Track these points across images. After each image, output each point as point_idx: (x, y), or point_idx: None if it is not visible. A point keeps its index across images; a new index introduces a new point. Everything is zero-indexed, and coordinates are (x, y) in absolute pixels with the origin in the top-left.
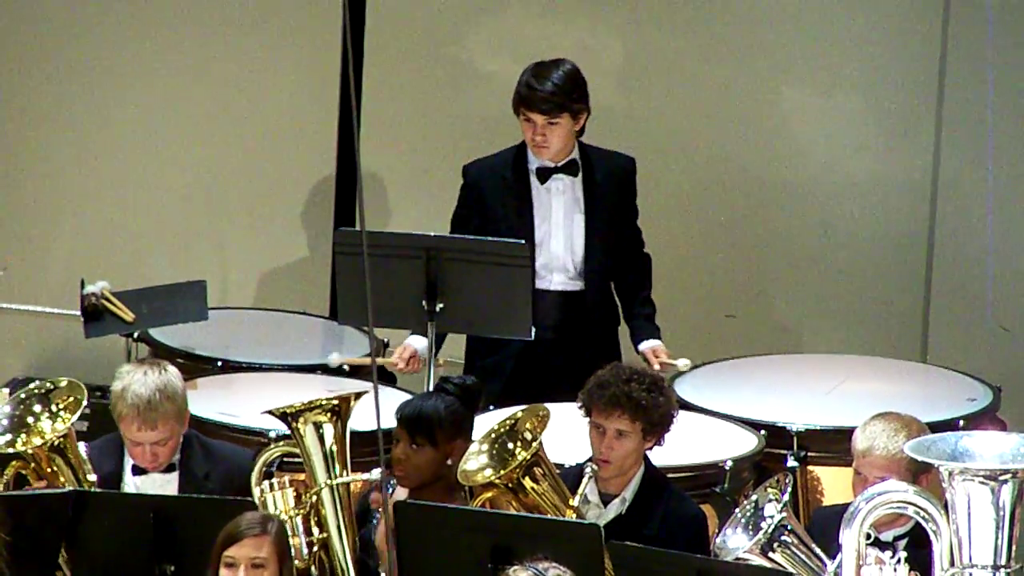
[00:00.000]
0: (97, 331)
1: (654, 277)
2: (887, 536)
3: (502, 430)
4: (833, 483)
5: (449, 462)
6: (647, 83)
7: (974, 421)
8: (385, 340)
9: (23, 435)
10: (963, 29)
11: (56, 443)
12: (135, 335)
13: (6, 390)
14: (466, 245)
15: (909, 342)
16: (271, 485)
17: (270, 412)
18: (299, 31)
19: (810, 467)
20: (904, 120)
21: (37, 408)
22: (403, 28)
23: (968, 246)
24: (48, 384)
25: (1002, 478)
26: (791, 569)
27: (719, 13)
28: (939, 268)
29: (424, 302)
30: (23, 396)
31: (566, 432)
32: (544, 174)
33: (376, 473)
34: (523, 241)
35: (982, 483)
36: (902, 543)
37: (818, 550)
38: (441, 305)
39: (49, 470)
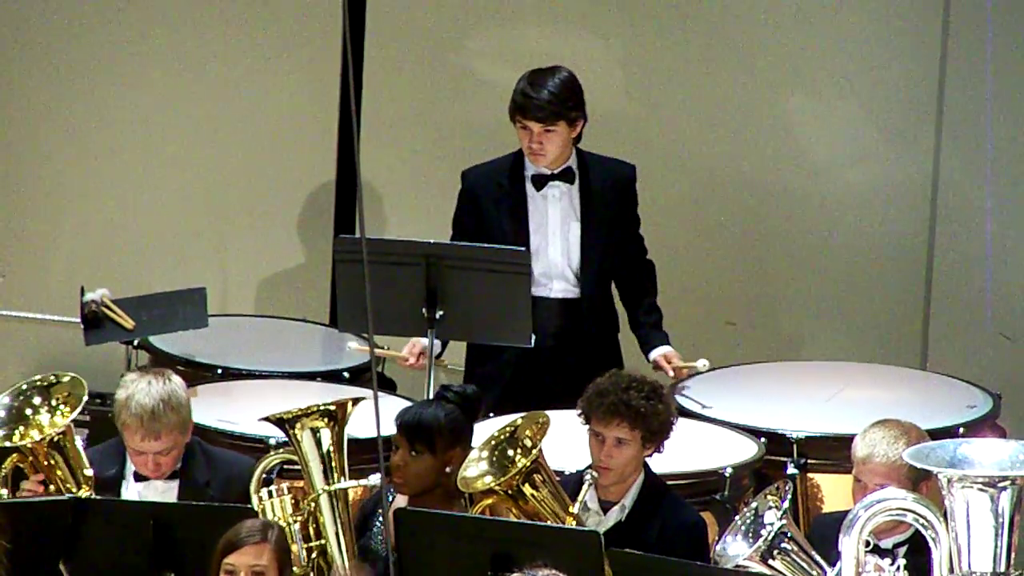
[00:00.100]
0: (97, 338)
1: None
2: (887, 543)
3: (502, 437)
4: (833, 490)
5: (448, 470)
6: (647, 90)
7: (974, 428)
8: (385, 347)
9: (20, 427)
10: (963, 38)
11: (55, 439)
12: (135, 342)
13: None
14: (466, 252)
15: (909, 349)
16: (269, 492)
17: (267, 419)
18: (299, 38)
19: (810, 474)
20: (904, 128)
21: (37, 400)
22: (403, 35)
23: (968, 253)
24: (51, 377)
25: (1001, 485)
26: None
27: (719, 21)
28: (939, 275)
29: (424, 309)
30: (24, 387)
31: (566, 439)
32: (540, 181)
33: (374, 479)
34: (523, 248)
35: (981, 490)
36: (902, 550)
37: (818, 557)
38: (441, 312)
39: (46, 463)
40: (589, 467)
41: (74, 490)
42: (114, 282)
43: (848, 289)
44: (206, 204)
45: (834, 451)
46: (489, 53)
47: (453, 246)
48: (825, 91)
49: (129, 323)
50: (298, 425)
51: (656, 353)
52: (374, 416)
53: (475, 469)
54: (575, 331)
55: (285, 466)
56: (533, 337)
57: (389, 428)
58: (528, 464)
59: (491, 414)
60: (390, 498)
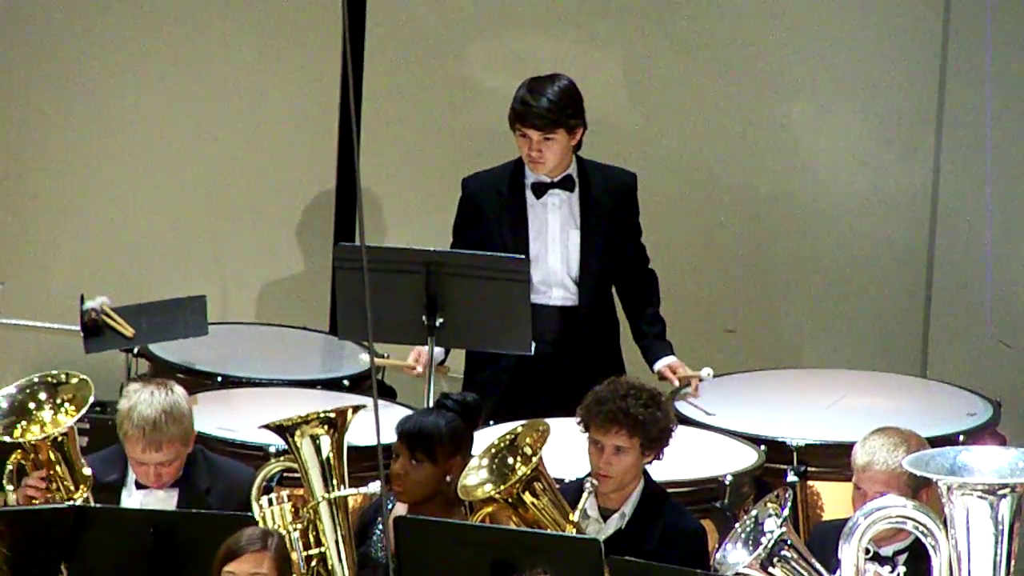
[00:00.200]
0: (97, 346)
1: None
2: (887, 551)
3: (502, 445)
4: (833, 498)
5: (448, 478)
6: (647, 98)
7: (974, 436)
8: (385, 355)
9: (23, 422)
10: (963, 42)
11: (58, 439)
12: (135, 350)
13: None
14: (466, 260)
15: (909, 357)
16: (269, 500)
17: (266, 426)
18: (299, 45)
19: (810, 482)
20: (904, 135)
21: (42, 396)
22: (403, 43)
23: (968, 261)
24: (61, 376)
25: (1001, 492)
26: None
27: (718, 29)
28: (939, 283)
29: (424, 317)
30: (35, 380)
31: (566, 447)
32: (540, 189)
33: (374, 487)
34: (523, 256)
35: (981, 497)
36: (901, 558)
37: (818, 565)
38: (441, 320)
39: (45, 457)
40: (589, 475)
41: (72, 489)
42: (114, 290)
43: (848, 296)
44: (206, 212)
45: (834, 459)
46: (489, 60)
47: (453, 254)
48: (825, 97)
49: (129, 331)
50: (298, 433)
51: (661, 364)
52: (374, 424)
53: (475, 477)
54: (574, 338)
55: (285, 474)
56: (533, 344)
57: (389, 436)
58: (528, 472)
59: (491, 421)
60: (390, 506)
